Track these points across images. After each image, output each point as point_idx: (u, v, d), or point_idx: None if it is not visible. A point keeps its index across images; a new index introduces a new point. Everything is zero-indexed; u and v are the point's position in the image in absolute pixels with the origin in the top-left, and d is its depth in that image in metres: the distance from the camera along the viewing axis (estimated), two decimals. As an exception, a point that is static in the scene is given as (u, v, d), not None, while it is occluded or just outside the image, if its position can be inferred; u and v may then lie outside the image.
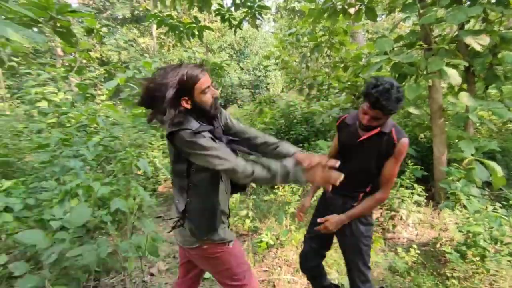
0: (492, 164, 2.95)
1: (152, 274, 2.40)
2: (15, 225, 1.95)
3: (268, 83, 11.83)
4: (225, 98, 10.56)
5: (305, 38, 7.18)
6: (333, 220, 1.50)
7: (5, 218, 1.78)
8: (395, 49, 3.75)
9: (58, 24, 2.78)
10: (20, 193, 1.94)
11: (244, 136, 1.40)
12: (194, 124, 1.14)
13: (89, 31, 3.66)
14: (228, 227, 1.39)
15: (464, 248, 2.19)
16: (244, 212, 3.14)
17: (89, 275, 2.03)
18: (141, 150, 3.86)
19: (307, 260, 1.79)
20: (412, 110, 3.61)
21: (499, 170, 2.91)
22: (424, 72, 3.40)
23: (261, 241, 2.50)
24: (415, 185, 2.95)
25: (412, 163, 3.06)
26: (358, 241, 1.56)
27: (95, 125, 4.76)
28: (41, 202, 2.01)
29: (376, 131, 1.41)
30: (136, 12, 17.00)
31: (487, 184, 3.33)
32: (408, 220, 2.98)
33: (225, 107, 11.38)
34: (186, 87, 1.11)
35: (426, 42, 3.45)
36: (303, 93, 7.32)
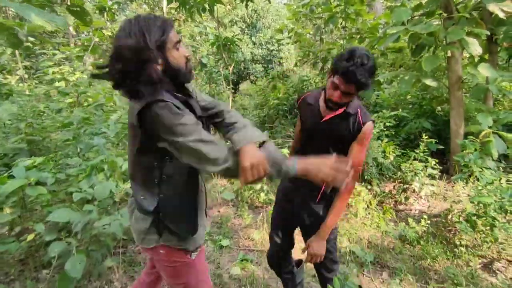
0: (510, 136, 2.90)
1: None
2: (48, 197, 2.11)
3: (281, 58, 11.58)
4: (238, 74, 10.46)
5: (319, 9, 6.92)
6: (315, 246, 1.35)
7: (40, 190, 1.94)
8: (414, 18, 3.60)
9: (71, 3, 2.81)
10: (51, 169, 2.10)
11: (214, 111, 1.17)
12: (170, 98, 0.90)
13: (101, 9, 3.69)
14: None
15: (474, 218, 2.23)
16: (258, 186, 3.25)
17: (117, 242, 2.22)
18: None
19: (277, 260, 1.67)
20: (429, 82, 3.52)
21: (517, 142, 2.86)
22: (444, 43, 3.28)
23: (275, 212, 2.62)
24: (429, 159, 2.96)
25: (427, 137, 3.04)
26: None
27: (112, 104, 4.90)
28: (69, 177, 2.17)
29: (340, 110, 1.29)
30: (145, -14, 16.64)
31: (504, 157, 3.29)
32: (420, 192, 3.01)
33: (238, 83, 11.32)
34: (159, 39, 0.87)
35: (447, 10, 3.30)
36: (318, 67, 7.17)
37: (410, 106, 4.94)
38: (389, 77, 3.95)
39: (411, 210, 2.96)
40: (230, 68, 5.81)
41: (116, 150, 2.63)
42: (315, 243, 1.34)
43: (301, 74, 8.50)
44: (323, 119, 1.34)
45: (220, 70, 7.92)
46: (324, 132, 1.35)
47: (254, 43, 11.08)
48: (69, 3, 2.86)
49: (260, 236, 2.60)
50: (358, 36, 6.11)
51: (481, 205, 2.21)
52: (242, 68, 10.55)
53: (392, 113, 3.64)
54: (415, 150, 3.15)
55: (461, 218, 2.30)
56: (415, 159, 3.02)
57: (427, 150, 3.01)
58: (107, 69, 0.89)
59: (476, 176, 2.54)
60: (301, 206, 1.46)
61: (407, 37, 3.66)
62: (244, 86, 12.44)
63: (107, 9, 3.57)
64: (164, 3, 12.21)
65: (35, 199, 2.04)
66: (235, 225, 2.87)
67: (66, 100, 4.94)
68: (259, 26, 11.70)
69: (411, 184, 2.98)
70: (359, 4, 6.18)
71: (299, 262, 1.76)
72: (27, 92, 7.68)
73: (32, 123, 3.91)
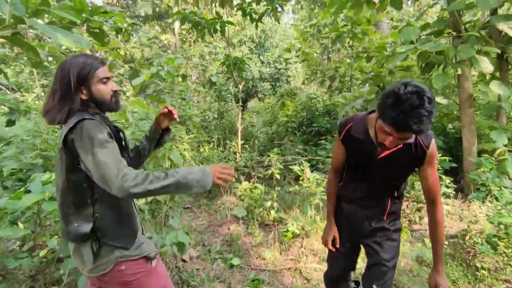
0: (527, 154, 2.84)
1: (184, 261, 2.55)
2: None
3: (288, 76, 11.74)
4: (246, 91, 10.62)
5: (326, 29, 7.07)
6: (443, 281, 1.30)
7: (54, 206, 1.95)
8: (422, 37, 3.65)
9: (92, 25, 2.93)
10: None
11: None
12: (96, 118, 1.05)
13: (118, 30, 3.83)
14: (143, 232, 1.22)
15: (495, 239, 2.15)
16: (269, 203, 3.22)
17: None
18: (172, 143, 4.02)
19: (337, 281, 1.64)
20: (439, 100, 3.52)
21: (534, 160, 2.80)
22: (453, 61, 3.29)
23: (287, 231, 2.58)
24: (443, 177, 2.90)
25: (440, 154, 3.00)
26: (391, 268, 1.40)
27: (124, 120, 4.99)
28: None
29: (399, 146, 1.20)
30: (157, 9, 17.35)
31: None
32: (435, 212, 2.93)
33: (246, 100, 11.46)
34: (83, 74, 1.04)
35: (456, 29, 3.34)
36: (325, 85, 7.25)
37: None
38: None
39: (426, 230, 2.87)
40: (240, 86, 5.91)
41: (129, 166, 2.66)
42: (441, 279, 1.30)
43: (309, 92, 8.59)
44: (380, 156, 1.24)
45: (229, 88, 8.06)
46: (383, 167, 1.27)
47: (262, 62, 11.30)
48: (88, 25, 2.98)
49: (272, 255, 2.54)
50: (365, 55, 6.20)
51: (501, 226, 2.14)
52: (251, 86, 10.71)
53: None
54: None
55: (480, 239, 2.23)
56: (428, 177, 2.96)
57: (440, 168, 2.96)
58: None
59: (494, 195, 2.48)
60: (370, 226, 1.42)
61: (415, 55, 3.70)
62: (252, 103, 12.57)
63: (123, 30, 3.70)
64: (176, 24, 12.64)
65: (48, 213, 2.05)
66: (246, 243, 2.82)
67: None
68: (267, 46, 11.97)
69: (425, 203, 2.91)
70: (366, 24, 6.32)
71: (357, 283, 1.70)
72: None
73: (47, 139, 4.00)
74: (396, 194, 1.36)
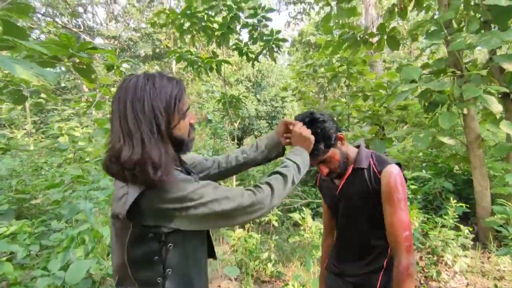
0: (550, 201, 2.58)
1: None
2: (17, 274, 1.77)
3: (285, 114, 11.80)
4: (242, 129, 10.54)
5: (322, 69, 7.16)
6: None
7: (5, 268, 1.61)
8: (422, 76, 3.56)
9: (78, 61, 2.79)
10: (25, 238, 1.79)
11: (205, 165, 1.07)
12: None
13: (109, 68, 3.72)
14: None
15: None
16: (265, 255, 2.85)
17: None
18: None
19: None
20: (446, 140, 3.32)
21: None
22: (457, 100, 3.16)
23: (287, 293, 2.20)
24: (461, 226, 2.60)
25: (455, 201, 2.72)
26: None
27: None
28: (45, 247, 1.85)
29: (348, 171, 1.08)
30: (157, 50, 17.97)
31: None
32: (454, 266, 2.59)
33: (242, 138, 11.35)
34: (172, 105, 0.76)
35: (457, 68, 3.25)
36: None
37: (424, 164, 4.69)
38: (401, 134, 3.78)
39: (446, 288, 2.50)
40: (236, 124, 5.77)
41: (106, 216, 2.33)
42: None
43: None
44: (337, 191, 1.12)
45: (225, 126, 7.94)
46: (346, 205, 1.10)
47: (259, 100, 11.39)
48: (76, 61, 2.85)
49: (269, 324, 2.14)
50: (361, 94, 6.18)
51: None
52: (247, 124, 10.66)
53: (415, 174, 3.37)
54: (442, 215, 2.81)
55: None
56: (443, 225, 2.66)
57: (456, 216, 2.67)
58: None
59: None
60: None
61: (415, 94, 3.60)
62: (248, 141, 12.46)
63: (115, 67, 3.58)
64: (173, 63, 12.95)
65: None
66: (238, 306, 2.42)
67: (67, 156, 4.79)
68: (264, 85, 12.17)
69: (442, 256, 2.57)
70: (361, 64, 6.40)
71: None
72: (31, 147, 7.65)
73: (24, 180, 3.69)
74: (385, 265, 1.05)
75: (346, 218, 1.12)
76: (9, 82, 3.31)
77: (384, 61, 15.20)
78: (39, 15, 15.94)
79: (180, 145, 0.80)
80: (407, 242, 0.95)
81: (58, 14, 16.59)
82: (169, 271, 0.77)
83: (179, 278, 0.79)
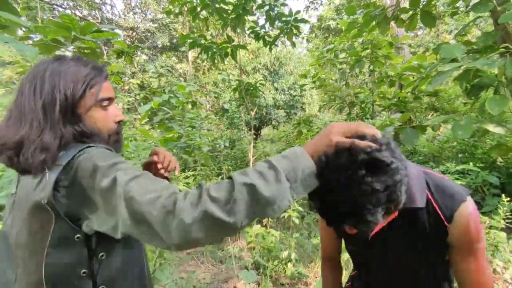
0: None
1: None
2: None
3: (303, 103, 11.41)
4: (260, 119, 10.27)
5: (344, 54, 6.78)
6: None
7: None
8: (464, 56, 3.14)
9: (83, 46, 2.60)
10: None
11: None
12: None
13: (119, 54, 3.53)
14: None
15: None
16: (285, 254, 2.62)
17: None
18: (172, 175, 3.56)
19: None
20: (492, 128, 2.91)
21: None
22: (509, 81, 2.74)
23: (310, 301, 1.95)
24: (515, 228, 2.24)
25: (508, 198, 2.35)
26: None
27: (126, 151, 4.62)
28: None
29: (394, 215, 0.72)
30: (174, 40, 17.90)
31: None
32: (505, 274, 2.25)
33: (259, 128, 11.09)
34: (76, 92, 0.65)
35: (508, 44, 2.81)
36: (344, 112, 6.84)
37: (460, 155, 4.26)
38: (437, 121, 3.38)
39: (495, 299, 2.17)
40: (252, 113, 5.52)
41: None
42: None
43: (325, 119, 8.12)
44: (371, 236, 0.77)
45: (242, 116, 7.72)
46: (387, 256, 0.78)
47: (276, 89, 11.04)
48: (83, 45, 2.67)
49: (290, 334, 1.91)
50: (388, 79, 5.75)
51: None
52: (264, 113, 10.38)
53: (459, 167, 2.99)
54: (485, 212, 2.45)
55: None
56: (491, 227, 2.30)
57: (510, 216, 2.30)
58: None
59: None
60: None
61: (457, 76, 3.18)
62: (265, 131, 12.19)
63: (125, 53, 3.38)
64: (190, 52, 12.77)
65: None
66: (256, 311, 2.21)
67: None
68: (281, 73, 11.77)
69: (490, 262, 2.23)
70: (387, 47, 5.95)
71: None
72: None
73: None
74: None
75: (387, 273, 0.81)
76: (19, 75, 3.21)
77: (410, 45, 14.35)
78: (60, 8, 16.19)
79: (91, 137, 0.66)
80: None
81: (77, 6, 16.78)
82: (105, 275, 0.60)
83: (118, 276, 0.62)
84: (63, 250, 0.58)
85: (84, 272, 0.59)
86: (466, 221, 0.66)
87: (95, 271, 0.60)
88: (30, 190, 0.59)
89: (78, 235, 0.58)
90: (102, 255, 0.61)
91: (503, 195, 2.37)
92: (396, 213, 0.71)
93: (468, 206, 0.67)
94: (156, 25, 18.61)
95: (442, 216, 0.68)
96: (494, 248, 2.19)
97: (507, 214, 2.28)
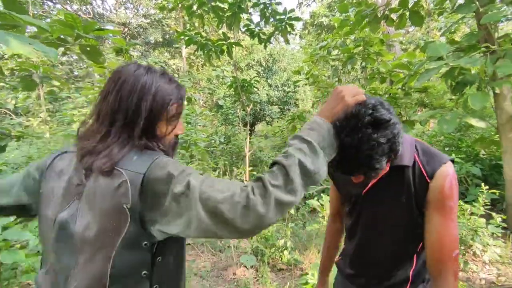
0: None
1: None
2: (30, 261, 1.73)
3: (297, 99, 11.54)
4: (254, 115, 10.39)
5: (336, 51, 6.90)
6: None
7: (18, 257, 1.57)
8: (449, 54, 3.30)
9: (85, 43, 2.68)
10: (36, 226, 1.75)
11: None
12: None
13: (118, 51, 3.60)
14: None
15: None
16: (281, 242, 2.77)
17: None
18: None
19: None
20: (475, 122, 3.10)
21: None
22: (490, 79, 2.92)
23: (306, 283, 2.11)
24: (493, 214, 2.43)
25: (487, 187, 2.54)
26: None
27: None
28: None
29: (385, 171, 0.83)
30: (167, 36, 17.79)
31: None
32: (483, 256, 2.44)
33: (253, 124, 11.21)
34: (162, 105, 0.70)
35: (489, 44, 2.98)
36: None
37: (447, 149, 4.47)
38: (425, 116, 3.56)
39: (475, 279, 2.36)
40: (248, 109, 5.63)
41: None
42: None
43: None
44: (365, 190, 0.90)
45: (236, 111, 7.81)
46: (374, 211, 0.91)
47: (270, 85, 11.15)
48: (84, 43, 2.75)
49: (287, 314, 2.06)
50: (379, 76, 5.91)
51: None
52: (258, 110, 10.49)
53: None
54: (468, 201, 2.63)
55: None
56: (472, 213, 2.49)
57: (488, 203, 2.49)
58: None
59: None
60: None
61: (437, 75, 3.35)
62: (260, 127, 12.30)
63: (124, 50, 3.46)
64: (184, 49, 12.75)
65: (11, 266, 1.67)
66: (255, 294, 2.35)
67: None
68: (275, 69, 11.87)
69: (470, 246, 2.42)
70: (379, 44, 6.09)
71: None
72: (47, 135, 7.74)
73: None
74: (410, 275, 0.90)
75: (370, 228, 0.95)
76: (18, 68, 3.25)
77: (401, 42, 14.58)
78: (50, 3, 15.93)
79: (158, 147, 0.71)
80: (456, 266, 0.78)
81: (68, 1, 16.52)
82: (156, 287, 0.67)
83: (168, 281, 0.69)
84: (130, 251, 0.63)
85: (144, 273, 0.64)
86: (443, 179, 0.78)
87: (152, 272, 0.66)
88: (107, 191, 0.62)
89: (146, 242, 0.63)
90: (159, 259, 0.67)
91: (482, 184, 2.56)
92: (387, 169, 0.83)
93: (448, 167, 0.79)
94: (148, 20, 18.46)
95: (425, 174, 0.80)
96: (473, 232, 2.37)
97: (486, 201, 2.46)
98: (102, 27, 2.74)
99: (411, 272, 0.91)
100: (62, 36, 2.46)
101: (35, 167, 0.80)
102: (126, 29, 18.48)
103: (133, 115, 0.67)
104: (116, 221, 0.61)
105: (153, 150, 0.69)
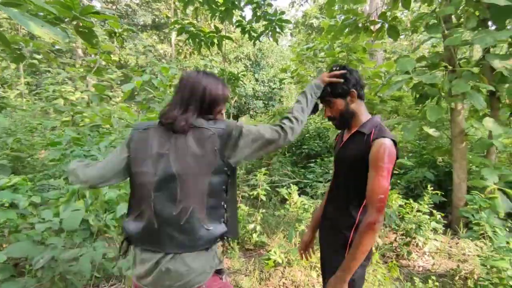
0: (517, 194, 2.79)
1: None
2: (19, 222, 1.90)
3: (282, 96, 11.82)
4: (239, 108, 10.58)
5: (322, 54, 7.16)
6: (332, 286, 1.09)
7: (9, 214, 1.73)
8: (417, 69, 3.66)
9: (81, 25, 2.80)
10: (27, 190, 1.91)
11: None
12: None
13: (111, 34, 3.71)
14: None
15: (488, 284, 2.03)
16: (251, 226, 3.03)
17: (88, 280, 1.95)
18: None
19: None
20: (431, 132, 3.48)
21: (524, 201, 2.74)
22: (447, 94, 3.29)
23: (269, 259, 2.39)
24: (434, 212, 2.80)
25: (432, 188, 2.91)
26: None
27: (109, 126, 4.78)
28: (47, 200, 1.97)
29: (353, 130, 1.19)
30: (157, 19, 17.47)
31: (509, 215, 3.14)
32: (424, 247, 2.82)
33: (237, 116, 11.41)
34: (217, 100, 1.08)
35: (450, 63, 3.36)
36: (318, 108, 7.28)
37: (410, 155, 4.88)
38: (391, 123, 3.93)
39: (414, 267, 2.73)
40: (232, 102, 5.83)
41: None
42: (332, 284, 1.09)
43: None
44: (341, 144, 1.25)
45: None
46: (341, 159, 1.23)
47: (257, 80, 11.35)
48: (80, 24, 2.85)
49: (250, 285, 2.34)
50: (359, 82, 6.27)
51: (494, 269, 2.03)
52: (243, 103, 10.69)
53: (397, 161, 3.55)
54: (418, 200, 3.00)
55: (474, 284, 2.09)
56: (418, 210, 2.86)
57: (431, 202, 2.86)
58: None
59: (486, 235, 2.38)
60: (328, 254, 1.28)
61: (409, 86, 3.71)
62: (243, 120, 12.52)
63: (116, 34, 3.58)
64: (173, 35, 12.67)
65: (2, 223, 1.82)
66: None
67: (62, 119, 4.82)
68: (263, 65, 12.08)
69: (414, 238, 2.79)
70: (361, 52, 6.43)
71: None
72: (24, 107, 7.59)
73: (20, 138, 3.75)
74: (362, 206, 1.15)
75: (335, 177, 1.27)
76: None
77: (385, 51, 15.14)
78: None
79: (209, 121, 1.08)
80: (380, 203, 1.03)
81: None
82: (228, 198, 1.04)
83: (232, 204, 1.07)
84: (218, 175, 0.99)
85: (224, 188, 1.01)
86: (379, 146, 1.06)
87: (227, 187, 1.03)
88: (200, 141, 0.98)
89: (226, 169, 1.00)
90: (230, 180, 1.04)
91: (428, 186, 2.94)
92: (351, 132, 1.19)
93: (386, 140, 1.06)
94: (137, 1, 18.06)
95: (370, 141, 1.09)
96: (417, 226, 2.74)
97: (430, 200, 2.84)
98: (99, 11, 2.87)
99: (358, 215, 1.17)
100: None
101: (120, 147, 1.10)
102: (114, 7, 17.98)
103: (201, 100, 1.05)
104: (211, 158, 0.97)
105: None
